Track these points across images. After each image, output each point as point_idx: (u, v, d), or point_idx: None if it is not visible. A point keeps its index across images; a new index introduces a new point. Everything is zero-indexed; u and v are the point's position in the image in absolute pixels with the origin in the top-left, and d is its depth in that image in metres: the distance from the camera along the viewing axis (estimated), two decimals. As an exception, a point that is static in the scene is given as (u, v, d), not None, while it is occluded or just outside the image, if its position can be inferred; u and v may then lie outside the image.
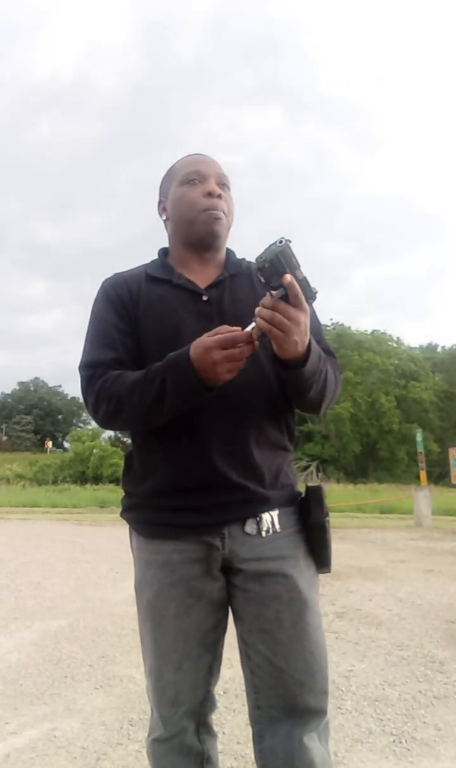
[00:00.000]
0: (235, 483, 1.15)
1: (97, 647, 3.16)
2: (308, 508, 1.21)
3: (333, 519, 1.29)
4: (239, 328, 1.02)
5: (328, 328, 37.47)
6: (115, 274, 1.31)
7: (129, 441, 1.29)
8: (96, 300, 1.29)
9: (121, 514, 1.29)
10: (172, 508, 1.16)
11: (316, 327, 1.29)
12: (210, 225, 1.24)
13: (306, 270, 1.07)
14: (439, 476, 21.74)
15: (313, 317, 1.32)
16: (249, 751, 1.24)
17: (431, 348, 46.75)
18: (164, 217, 1.32)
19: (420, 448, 11.82)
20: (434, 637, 3.26)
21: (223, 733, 2.07)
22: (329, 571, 1.23)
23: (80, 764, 1.92)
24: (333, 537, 1.24)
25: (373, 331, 40.80)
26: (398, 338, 41.72)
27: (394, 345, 40.55)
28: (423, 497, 9.88)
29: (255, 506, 1.17)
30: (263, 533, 1.16)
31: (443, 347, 46.43)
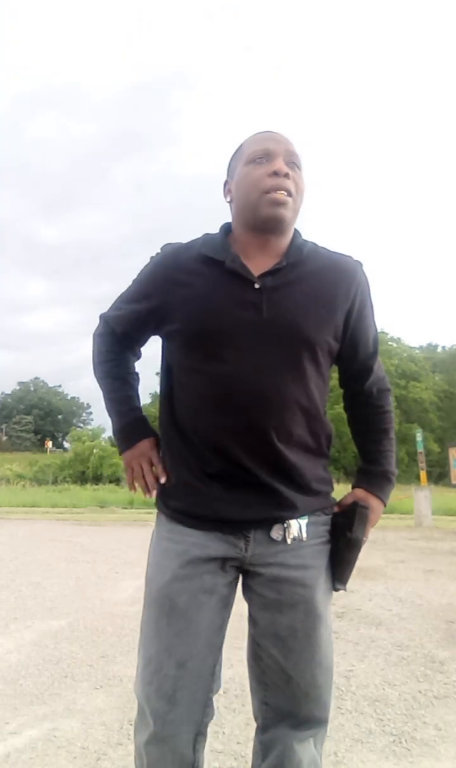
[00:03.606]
0: (262, 482, 1.13)
1: (97, 647, 3.16)
2: (351, 523, 1.19)
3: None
4: (163, 472, 1.24)
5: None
6: (172, 246, 1.25)
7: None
8: (147, 265, 1.27)
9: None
10: (198, 494, 1.15)
11: (374, 343, 1.34)
12: (273, 208, 1.14)
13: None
14: (439, 476, 21.71)
15: (375, 337, 1.34)
16: (249, 750, 1.24)
17: (431, 348, 46.80)
18: (228, 199, 1.24)
19: (420, 448, 11.82)
20: (434, 637, 3.26)
21: (223, 733, 2.07)
22: (345, 589, 1.21)
23: (80, 764, 1.92)
24: None
25: (373, 331, 40.68)
26: (398, 338, 41.70)
27: (394, 345, 40.48)
28: (423, 497, 9.89)
29: (283, 510, 1.14)
30: (289, 540, 1.14)
31: (443, 347, 46.56)
